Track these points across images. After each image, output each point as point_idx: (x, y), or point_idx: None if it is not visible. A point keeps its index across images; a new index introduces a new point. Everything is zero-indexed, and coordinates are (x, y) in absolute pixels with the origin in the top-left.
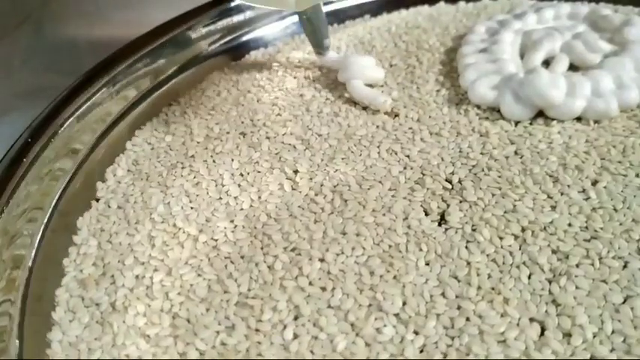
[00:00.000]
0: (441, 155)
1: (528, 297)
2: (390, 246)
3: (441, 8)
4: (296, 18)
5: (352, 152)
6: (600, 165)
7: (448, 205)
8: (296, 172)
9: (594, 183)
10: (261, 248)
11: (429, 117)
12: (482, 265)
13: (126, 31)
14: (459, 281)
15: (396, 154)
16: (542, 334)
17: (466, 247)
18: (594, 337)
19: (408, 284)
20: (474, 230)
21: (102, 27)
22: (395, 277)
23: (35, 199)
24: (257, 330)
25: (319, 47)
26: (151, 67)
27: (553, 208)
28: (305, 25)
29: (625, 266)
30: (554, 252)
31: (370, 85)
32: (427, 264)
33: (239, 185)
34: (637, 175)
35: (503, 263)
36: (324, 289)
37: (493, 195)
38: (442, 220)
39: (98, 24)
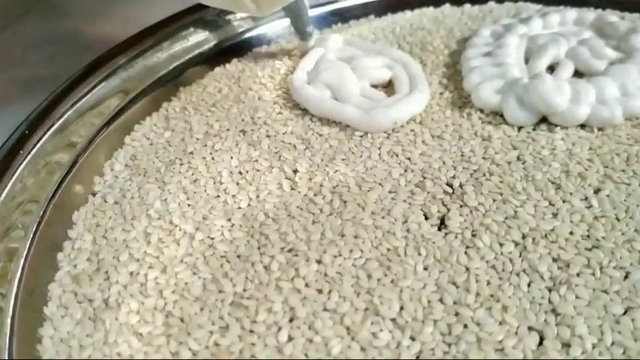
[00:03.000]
0: (442, 159)
1: (527, 305)
2: (388, 249)
3: (446, 10)
4: None
5: (353, 153)
6: (603, 173)
7: (448, 210)
8: (295, 171)
9: (597, 191)
10: (258, 248)
11: (432, 119)
12: (482, 271)
13: (128, 26)
14: (457, 287)
15: (397, 156)
16: (540, 343)
17: (465, 253)
18: (593, 348)
19: (406, 289)
20: (473, 236)
21: (104, 20)
22: (392, 281)
23: (31, 192)
24: (251, 331)
25: (302, 34)
26: (152, 62)
27: (554, 215)
28: (287, 13)
29: (626, 277)
30: (554, 260)
31: (375, 86)
32: (425, 269)
33: (237, 183)
34: None
35: (503, 270)
36: (320, 291)
37: (494, 200)
38: (442, 224)
39: (100, 17)
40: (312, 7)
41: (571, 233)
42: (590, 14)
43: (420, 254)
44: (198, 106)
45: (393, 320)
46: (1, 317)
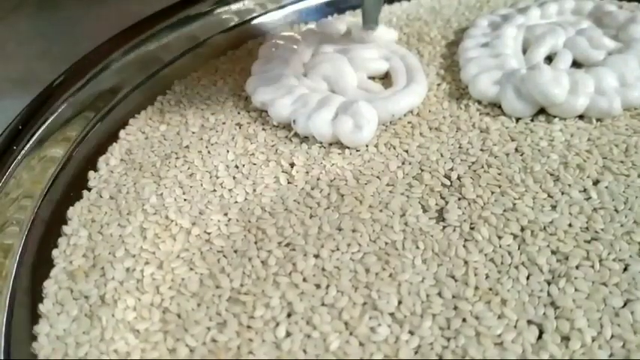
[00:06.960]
0: (440, 151)
1: (526, 298)
2: (386, 243)
3: (443, 0)
4: (295, 7)
5: (349, 146)
6: (602, 164)
7: (446, 202)
8: (292, 165)
9: (596, 183)
10: (255, 243)
11: (429, 111)
12: (480, 264)
13: (122, 19)
14: (456, 281)
15: (394, 148)
16: (539, 337)
17: (464, 246)
18: (593, 341)
19: (404, 283)
20: (472, 229)
21: (99, 13)
22: (391, 275)
23: (25, 188)
24: (249, 327)
25: (373, 22)
26: (147, 55)
27: (553, 207)
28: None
29: (625, 269)
30: (553, 253)
31: (372, 78)
32: (424, 262)
33: (234, 177)
34: (639, 176)
35: (502, 263)
36: (318, 286)
37: (492, 193)
38: (440, 217)
39: (95, 10)
40: None
41: (570, 225)
42: (589, 3)
43: (418, 248)
44: (193, 99)
45: (392, 315)
46: None
